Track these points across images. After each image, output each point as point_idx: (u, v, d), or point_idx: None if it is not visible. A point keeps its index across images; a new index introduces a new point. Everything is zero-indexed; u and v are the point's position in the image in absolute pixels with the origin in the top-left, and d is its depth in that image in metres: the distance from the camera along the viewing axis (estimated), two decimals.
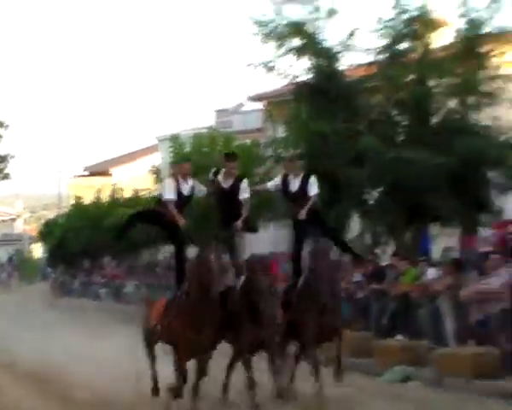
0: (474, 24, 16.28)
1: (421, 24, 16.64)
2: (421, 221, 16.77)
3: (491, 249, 13.62)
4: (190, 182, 10.33)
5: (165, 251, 28.81)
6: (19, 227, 63.51)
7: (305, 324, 9.95)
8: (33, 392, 11.43)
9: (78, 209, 38.82)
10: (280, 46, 16.98)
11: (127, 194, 35.96)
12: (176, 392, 9.44)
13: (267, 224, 20.12)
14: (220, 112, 36.84)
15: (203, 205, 15.73)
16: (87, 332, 16.41)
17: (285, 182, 10.59)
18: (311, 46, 17.03)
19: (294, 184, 10.46)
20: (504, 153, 15.85)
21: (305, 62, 17.23)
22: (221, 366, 10.13)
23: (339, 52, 17.19)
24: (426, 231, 17.29)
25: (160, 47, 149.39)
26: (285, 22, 16.92)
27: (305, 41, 16.96)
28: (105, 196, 37.26)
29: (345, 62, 17.37)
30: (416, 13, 16.59)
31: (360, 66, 17.59)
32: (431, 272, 14.18)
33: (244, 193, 10.27)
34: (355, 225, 17.19)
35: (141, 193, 34.65)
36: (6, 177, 31.61)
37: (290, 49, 17.03)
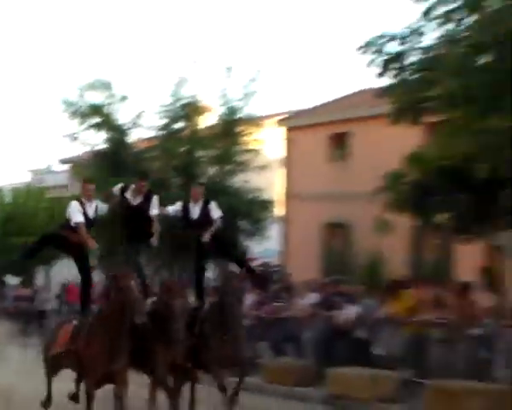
0: (231, 110, 20.87)
1: (192, 109, 21.01)
2: None
3: None
4: (94, 203, 9.92)
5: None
6: None
7: (208, 349, 9.75)
8: None
9: None
10: (83, 122, 21.21)
11: None
12: None
13: None
14: (34, 171, 40.48)
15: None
16: None
17: (186, 209, 10.50)
18: (107, 123, 21.35)
19: (195, 211, 10.43)
20: (251, 207, 20.61)
21: (103, 135, 21.63)
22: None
23: (129, 128, 21.67)
24: None
25: None
26: (87, 104, 21.12)
27: (102, 119, 21.26)
28: None
29: (133, 136, 21.88)
30: (188, 100, 20.95)
31: (145, 139, 22.08)
32: None
33: (154, 209, 10.06)
34: None
35: None
36: None
37: (91, 125, 21.28)
